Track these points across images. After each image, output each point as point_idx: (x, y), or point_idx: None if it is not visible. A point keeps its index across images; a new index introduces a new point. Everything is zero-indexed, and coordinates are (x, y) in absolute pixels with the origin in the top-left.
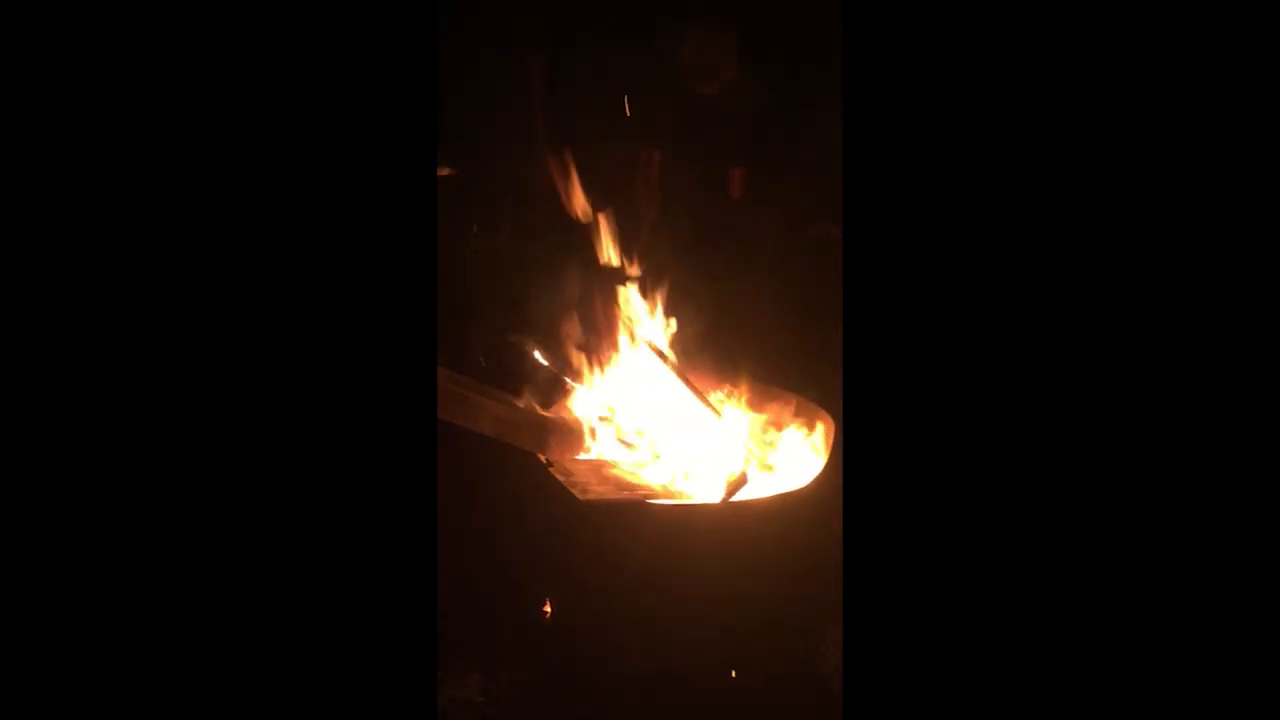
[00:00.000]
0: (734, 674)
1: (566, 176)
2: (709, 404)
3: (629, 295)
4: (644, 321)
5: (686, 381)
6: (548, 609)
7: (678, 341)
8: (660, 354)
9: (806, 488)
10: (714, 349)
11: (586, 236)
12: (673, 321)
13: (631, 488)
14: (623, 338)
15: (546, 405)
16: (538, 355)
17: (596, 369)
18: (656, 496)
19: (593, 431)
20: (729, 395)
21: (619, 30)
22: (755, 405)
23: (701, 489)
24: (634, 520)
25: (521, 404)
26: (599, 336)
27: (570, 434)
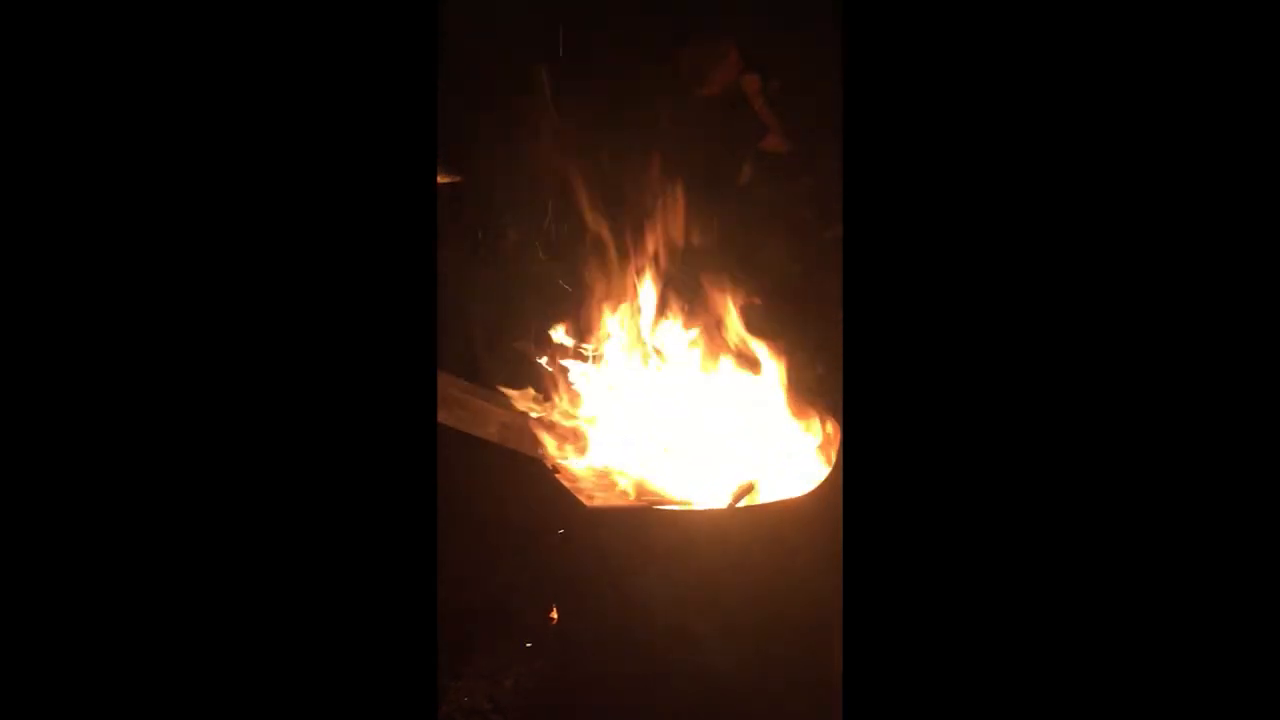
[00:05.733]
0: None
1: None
2: (708, 408)
3: (635, 299)
4: (649, 325)
5: (689, 386)
6: (554, 615)
7: (683, 345)
8: (663, 357)
9: (812, 493)
10: (718, 352)
11: (593, 241)
12: (678, 325)
13: (637, 494)
14: (627, 342)
15: (552, 411)
16: (544, 361)
17: (602, 374)
18: (663, 502)
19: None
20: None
21: (621, 34)
22: (763, 408)
23: (708, 495)
24: (640, 526)
25: (527, 410)
26: (604, 341)
27: (576, 440)
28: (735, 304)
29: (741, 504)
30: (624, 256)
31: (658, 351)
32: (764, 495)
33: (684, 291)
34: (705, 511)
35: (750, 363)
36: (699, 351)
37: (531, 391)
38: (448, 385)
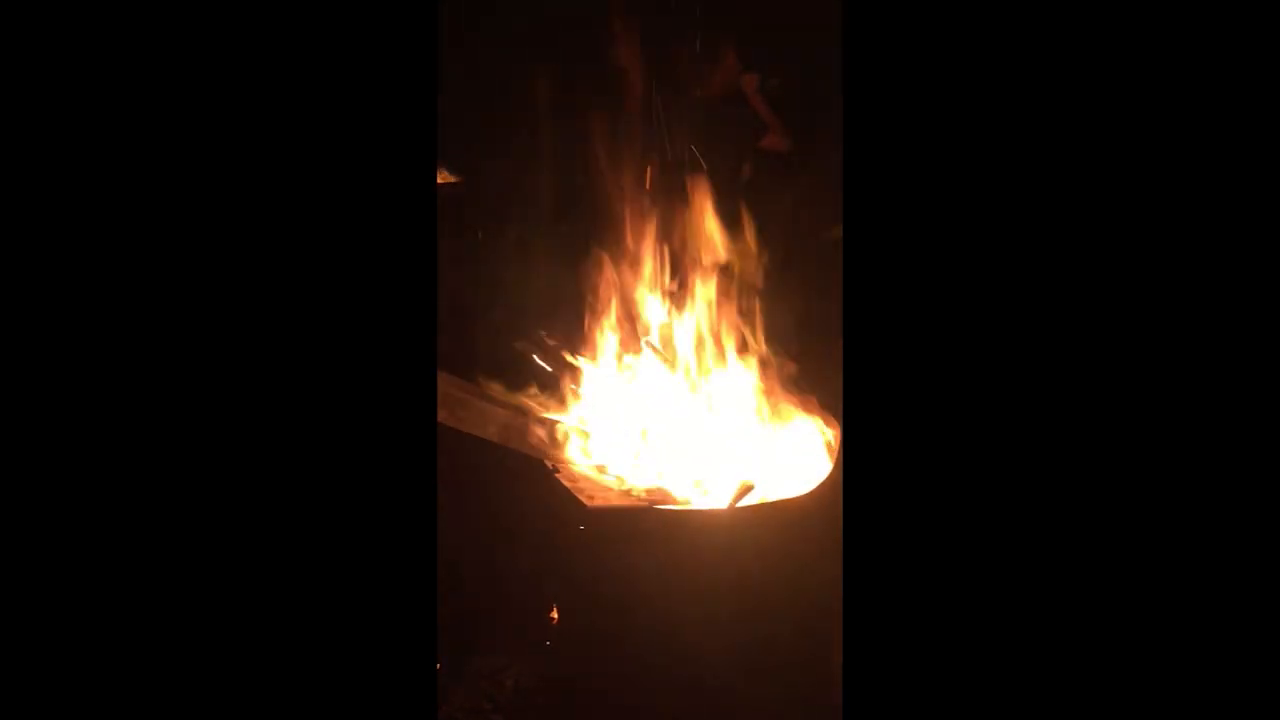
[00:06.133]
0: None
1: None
2: (710, 408)
3: (637, 300)
4: (649, 326)
5: (689, 386)
6: (554, 615)
7: (684, 347)
8: (663, 357)
9: (812, 492)
10: (718, 352)
11: (593, 241)
12: (678, 325)
13: (637, 494)
14: (627, 342)
15: (553, 411)
16: (543, 361)
17: (601, 374)
18: (662, 502)
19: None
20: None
21: (620, 33)
22: (764, 408)
23: (707, 495)
24: (640, 526)
25: (528, 410)
26: (605, 340)
27: (576, 440)
28: (734, 301)
29: (741, 504)
30: (623, 255)
31: (656, 351)
32: (764, 495)
33: (683, 291)
34: (705, 511)
35: (750, 362)
36: (699, 351)
37: (532, 391)
38: (448, 385)
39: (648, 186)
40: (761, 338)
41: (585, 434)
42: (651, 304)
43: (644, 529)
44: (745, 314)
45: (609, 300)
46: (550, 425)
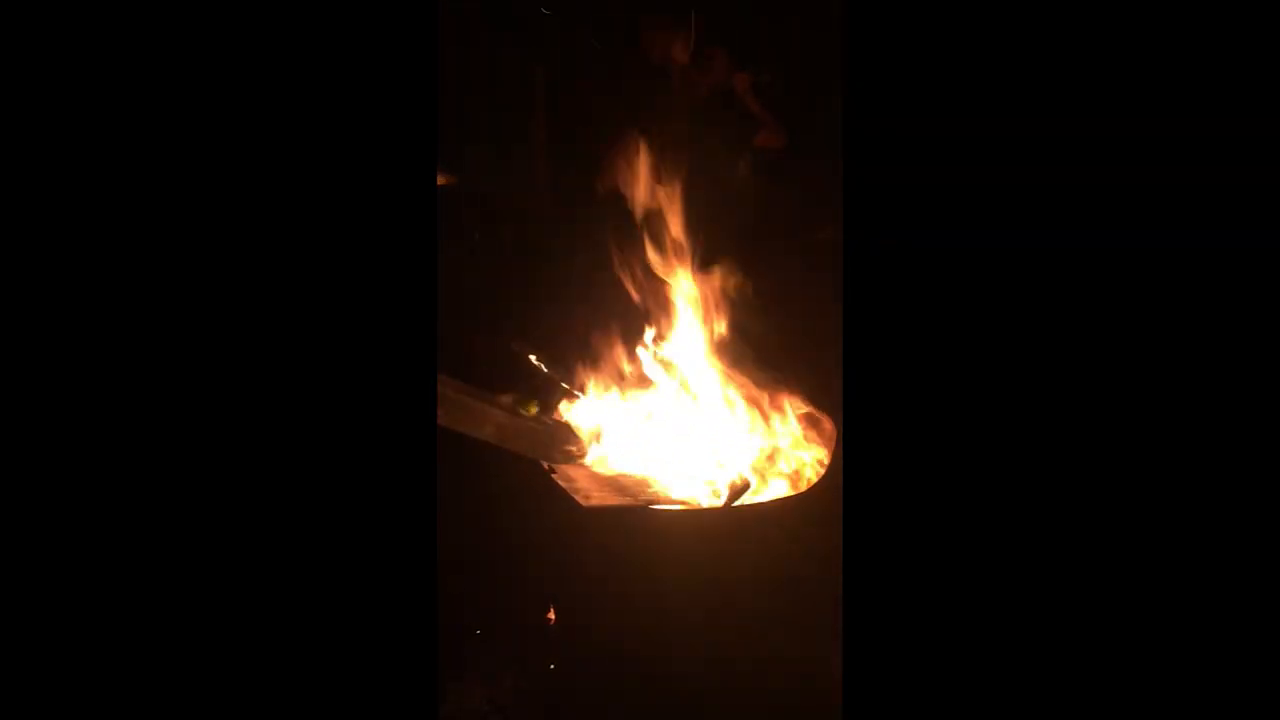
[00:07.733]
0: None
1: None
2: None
3: (632, 299)
4: (645, 325)
5: (684, 387)
6: (551, 616)
7: (680, 345)
8: (661, 360)
9: (809, 491)
10: (717, 352)
11: (590, 241)
12: (675, 325)
13: (634, 494)
14: (624, 342)
15: (549, 412)
16: (539, 362)
17: (598, 375)
18: (659, 502)
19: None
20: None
21: (619, 33)
22: (759, 408)
23: (704, 495)
24: (636, 526)
25: (524, 411)
26: (601, 342)
27: (573, 441)
28: (731, 301)
29: (738, 504)
30: (619, 256)
31: (652, 352)
32: (762, 495)
33: (679, 289)
34: (703, 511)
35: (748, 362)
36: (696, 352)
37: (529, 392)
38: (445, 386)
39: (642, 183)
40: (758, 337)
41: (581, 434)
42: (650, 304)
43: (641, 529)
44: (743, 310)
45: (606, 299)
46: (546, 426)
